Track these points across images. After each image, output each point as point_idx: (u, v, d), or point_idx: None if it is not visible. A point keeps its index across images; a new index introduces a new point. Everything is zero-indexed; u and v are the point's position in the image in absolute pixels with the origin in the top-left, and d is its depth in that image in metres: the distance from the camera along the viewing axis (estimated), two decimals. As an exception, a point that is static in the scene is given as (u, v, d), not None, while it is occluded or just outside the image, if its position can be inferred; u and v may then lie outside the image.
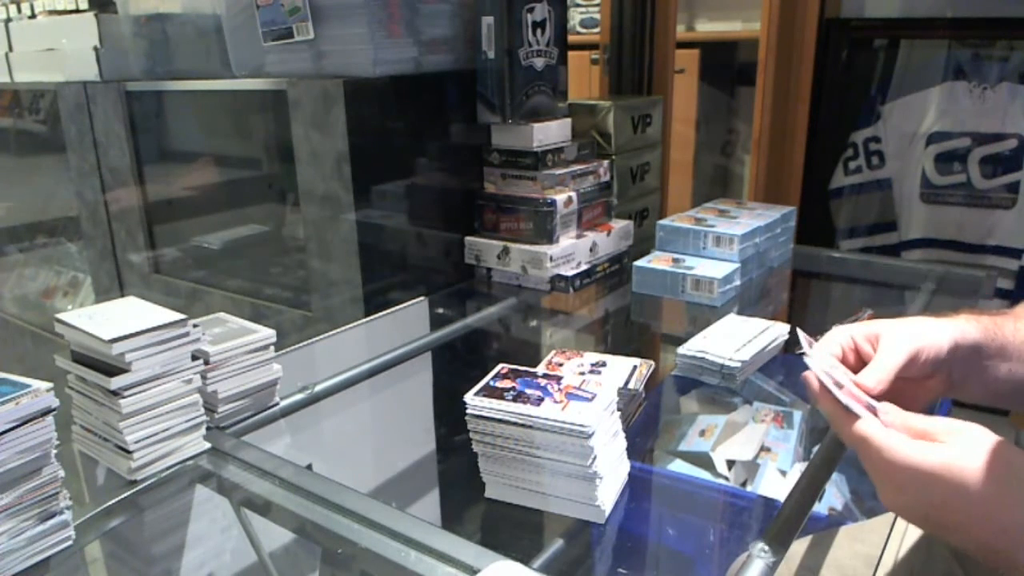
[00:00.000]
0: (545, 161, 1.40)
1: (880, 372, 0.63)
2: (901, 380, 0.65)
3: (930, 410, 0.97)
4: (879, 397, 0.62)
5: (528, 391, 0.74)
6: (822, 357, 0.63)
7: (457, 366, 1.21)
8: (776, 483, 0.84)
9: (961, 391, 0.73)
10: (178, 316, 0.79)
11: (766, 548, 0.60)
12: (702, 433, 0.93)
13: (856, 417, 0.57)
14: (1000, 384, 0.70)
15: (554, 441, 0.71)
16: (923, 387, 0.69)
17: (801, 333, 0.66)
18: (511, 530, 0.76)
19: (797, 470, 0.88)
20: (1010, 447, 0.53)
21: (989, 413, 2.08)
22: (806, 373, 0.61)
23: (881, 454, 0.55)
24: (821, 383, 0.60)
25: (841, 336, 0.68)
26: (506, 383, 0.76)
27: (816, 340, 0.65)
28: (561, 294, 1.39)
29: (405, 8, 1.29)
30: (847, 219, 2.35)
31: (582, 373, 0.99)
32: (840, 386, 0.59)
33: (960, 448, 0.52)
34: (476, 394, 0.74)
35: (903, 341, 0.65)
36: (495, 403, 0.73)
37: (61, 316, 0.78)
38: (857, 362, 0.67)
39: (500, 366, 0.80)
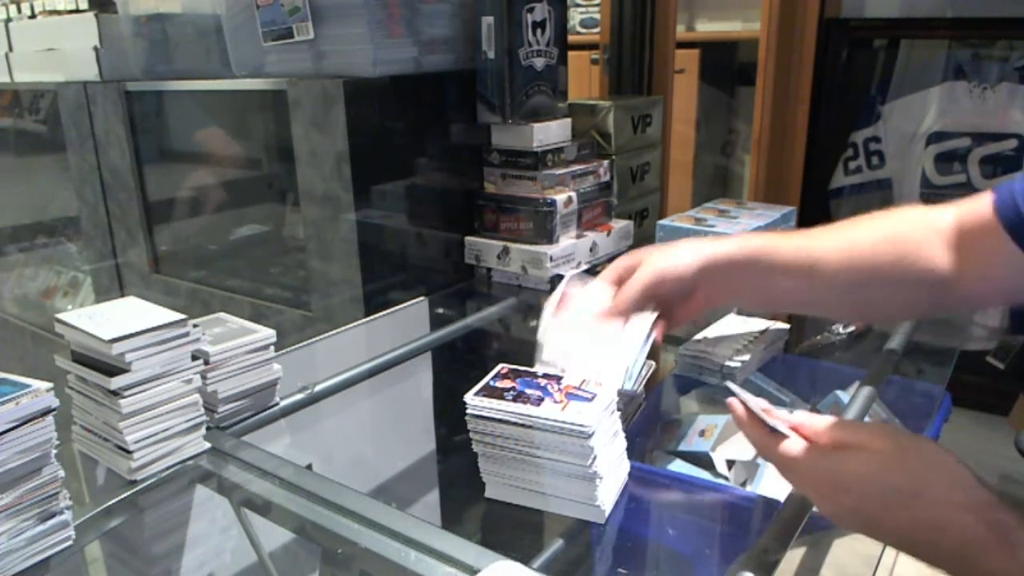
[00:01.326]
0: (545, 161, 1.40)
1: (625, 296, 0.78)
2: (663, 300, 0.79)
3: (927, 413, 0.98)
4: (626, 316, 0.78)
5: (528, 391, 0.74)
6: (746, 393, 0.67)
7: (457, 366, 1.21)
8: (776, 483, 0.84)
9: (736, 302, 0.88)
10: (178, 316, 0.79)
11: (766, 548, 0.60)
12: (702, 433, 0.93)
13: (780, 439, 0.61)
14: (777, 296, 0.80)
15: (554, 441, 0.71)
16: (689, 302, 0.82)
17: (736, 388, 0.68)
18: (511, 530, 0.76)
19: (797, 470, 0.88)
20: (925, 452, 0.56)
21: (987, 413, 2.09)
22: (730, 400, 0.66)
23: (802, 469, 0.60)
24: (747, 409, 0.64)
25: (613, 271, 0.82)
26: (506, 383, 0.76)
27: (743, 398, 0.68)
28: (561, 294, 1.38)
29: (405, 8, 1.29)
30: (847, 219, 2.36)
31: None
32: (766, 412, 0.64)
33: (871, 452, 0.56)
34: (476, 394, 0.74)
35: (646, 269, 0.78)
36: (495, 403, 0.73)
37: (61, 316, 0.78)
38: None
39: (500, 366, 0.80)
